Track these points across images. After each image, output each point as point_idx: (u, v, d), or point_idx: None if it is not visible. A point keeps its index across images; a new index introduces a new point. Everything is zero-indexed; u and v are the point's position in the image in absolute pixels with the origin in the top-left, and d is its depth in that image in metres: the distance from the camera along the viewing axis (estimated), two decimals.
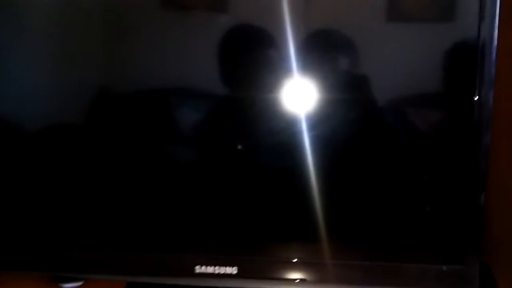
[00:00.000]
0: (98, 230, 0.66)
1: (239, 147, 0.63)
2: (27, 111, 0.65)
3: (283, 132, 0.62)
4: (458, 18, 0.60)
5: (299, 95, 0.61)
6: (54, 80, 0.64)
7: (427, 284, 0.64)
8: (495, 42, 0.58)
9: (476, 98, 0.59)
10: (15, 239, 0.66)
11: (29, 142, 0.65)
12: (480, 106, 0.59)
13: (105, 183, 0.66)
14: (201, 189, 0.65)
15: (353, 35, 0.61)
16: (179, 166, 0.65)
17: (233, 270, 0.64)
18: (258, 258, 0.65)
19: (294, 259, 0.64)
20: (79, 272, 0.69)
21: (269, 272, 0.64)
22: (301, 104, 0.61)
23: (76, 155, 0.65)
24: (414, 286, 0.65)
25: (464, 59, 0.59)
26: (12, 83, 0.64)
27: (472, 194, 0.61)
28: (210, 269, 0.64)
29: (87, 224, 0.66)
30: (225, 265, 0.64)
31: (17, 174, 0.66)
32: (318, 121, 0.61)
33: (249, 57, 0.62)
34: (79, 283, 0.74)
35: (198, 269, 0.64)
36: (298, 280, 0.64)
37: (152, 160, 0.65)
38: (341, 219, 0.64)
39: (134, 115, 0.64)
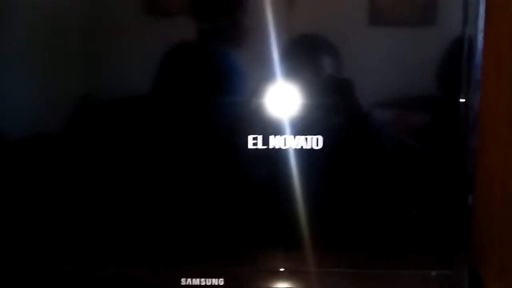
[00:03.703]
0: (81, 244, 0.64)
1: (224, 154, 0.62)
2: (9, 121, 0.63)
3: (265, 140, 0.60)
4: (442, 21, 0.59)
5: (282, 100, 0.60)
6: (35, 90, 0.62)
7: None
8: (480, 45, 0.58)
9: (462, 100, 0.59)
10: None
11: (12, 154, 0.63)
12: (466, 108, 0.59)
13: (88, 196, 0.64)
14: (185, 200, 0.64)
15: (336, 40, 0.60)
16: (162, 177, 0.63)
17: (219, 281, 0.62)
18: (245, 269, 0.64)
19: (280, 268, 0.63)
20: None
21: (256, 282, 0.64)
22: (284, 109, 0.60)
23: (59, 166, 0.63)
24: None
25: (449, 61, 0.59)
26: None
27: (460, 197, 0.61)
28: (196, 281, 0.63)
29: (70, 238, 0.64)
30: (212, 277, 0.63)
31: (12, 187, 0.64)
32: (301, 127, 0.60)
33: (232, 62, 0.61)
34: None
35: (184, 281, 0.63)
36: None
37: (134, 171, 0.63)
38: (326, 227, 0.63)
39: (118, 123, 0.62)
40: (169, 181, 0.63)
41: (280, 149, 0.60)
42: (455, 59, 0.59)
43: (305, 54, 0.61)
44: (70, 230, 0.64)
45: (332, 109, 0.61)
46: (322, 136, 0.60)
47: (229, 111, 0.61)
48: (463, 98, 0.59)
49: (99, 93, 0.62)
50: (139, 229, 0.64)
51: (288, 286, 0.63)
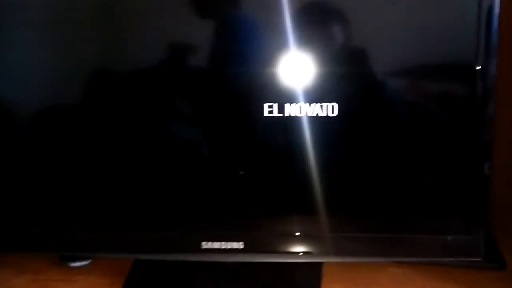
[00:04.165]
0: (103, 209, 0.67)
1: (240, 122, 0.63)
2: (25, 95, 0.65)
3: (280, 108, 0.61)
4: None
5: (296, 68, 0.60)
6: (50, 63, 0.64)
7: (432, 255, 0.65)
8: (497, 10, 0.57)
9: (478, 68, 0.58)
10: (21, 221, 0.67)
11: (30, 125, 0.65)
12: (483, 75, 0.58)
13: (108, 164, 0.66)
14: (204, 166, 0.65)
15: (349, 6, 0.60)
16: (180, 144, 0.65)
17: (239, 245, 0.64)
18: (264, 233, 0.65)
19: (298, 232, 0.65)
20: (86, 251, 0.70)
21: (275, 246, 0.65)
22: (298, 79, 0.60)
23: (78, 137, 0.65)
24: (419, 256, 0.66)
25: (465, 27, 0.58)
26: (8, 68, 0.64)
27: (477, 164, 0.61)
28: (216, 245, 0.64)
29: (92, 203, 0.67)
30: (232, 241, 0.64)
31: (20, 157, 0.66)
32: (316, 96, 0.61)
33: (243, 31, 0.61)
34: (87, 262, 0.75)
35: (205, 245, 0.64)
36: (302, 253, 0.65)
37: (154, 139, 0.65)
38: (344, 192, 0.64)
39: (133, 95, 0.64)
40: (188, 149, 0.65)
41: (295, 116, 0.61)
42: (471, 25, 0.58)
43: (317, 22, 0.61)
44: (92, 196, 0.66)
45: (347, 77, 0.61)
46: (338, 103, 0.60)
47: (244, 80, 0.61)
48: (479, 65, 0.58)
49: (114, 64, 0.63)
50: (159, 195, 0.66)
51: (306, 250, 0.64)
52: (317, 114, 0.61)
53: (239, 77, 0.61)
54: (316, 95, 0.60)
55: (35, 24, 0.63)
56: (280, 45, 0.60)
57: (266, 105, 0.61)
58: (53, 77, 0.64)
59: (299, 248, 0.65)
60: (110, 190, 0.66)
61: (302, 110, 0.61)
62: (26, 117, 0.65)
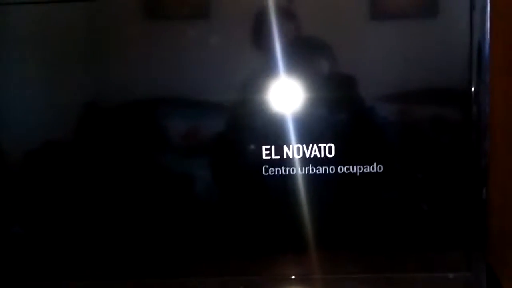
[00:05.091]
0: (97, 258, 0.65)
1: (234, 153, 0.63)
2: (17, 132, 0.64)
3: (274, 136, 0.61)
4: (448, 12, 0.60)
5: (288, 98, 0.61)
6: (42, 98, 0.63)
7: None
8: (488, 36, 0.58)
9: (472, 92, 0.59)
10: (22, 272, 0.65)
11: (21, 164, 0.64)
12: (478, 101, 0.59)
13: (101, 204, 0.64)
14: (199, 205, 0.64)
15: (337, 36, 0.61)
16: (178, 187, 0.64)
17: None
18: (264, 277, 0.64)
19: (297, 275, 0.64)
20: None
21: None
22: (291, 106, 0.61)
23: (70, 174, 0.64)
24: None
25: (457, 52, 0.59)
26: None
27: (474, 192, 0.61)
28: None
29: (86, 252, 0.65)
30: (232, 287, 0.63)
31: (14, 200, 0.65)
32: (308, 124, 0.61)
33: (235, 62, 0.62)
34: None
35: None
36: None
37: (147, 178, 0.64)
38: (341, 231, 0.64)
39: (126, 128, 0.63)
40: (184, 191, 0.64)
41: (293, 159, 0.61)
42: (463, 50, 0.59)
43: (308, 52, 0.61)
44: (86, 244, 0.65)
45: (341, 104, 0.62)
46: (334, 144, 0.61)
47: (236, 111, 0.62)
48: (474, 90, 0.59)
49: (106, 98, 0.63)
50: (155, 241, 0.64)
51: None
52: (315, 155, 0.61)
53: (234, 106, 0.62)
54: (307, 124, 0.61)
55: (22, 59, 0.63)
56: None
57: (264, 148, 0.61)
58: (44, 115, 0.63)
59: None
60: (103, 237, 0.65)
61: (300, 152, 0.61)
62: (17, 155, 0.64)
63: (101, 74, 0.63)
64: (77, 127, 0.63)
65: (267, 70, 0.60)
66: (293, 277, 0.64)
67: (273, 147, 0.61)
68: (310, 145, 0.61)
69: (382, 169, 0.61)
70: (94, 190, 0.64)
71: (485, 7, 0.58)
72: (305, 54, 0.62)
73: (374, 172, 0.61)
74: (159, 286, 0.64)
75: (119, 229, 0.64)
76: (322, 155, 0.61)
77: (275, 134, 0.61)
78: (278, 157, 0.61)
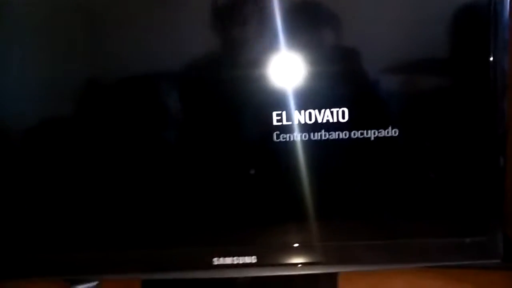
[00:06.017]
0: (108, 228, 0.64)
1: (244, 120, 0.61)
2: (15, 108, 0.62)
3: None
4: None
5: (287, 71, 0.59)
6: (41, 75, 0.61)
7: (450, 258, 0.63)
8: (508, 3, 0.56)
9: (491, 59, 0.57)
10: (23, 246, 0.64)
11: (21, 141, 0.63)
12: (495, 67, 0.58)
13: (108, 179, 0.63)
14: (211, 177, 0.63)
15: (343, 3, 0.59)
16: (184, 156, 0.62)
17: (252, 259, 0.62)
18: (277, 245, 0.63)
19: (311, 242, 0.63)
20: (92, 274, 0.67)
21: (289, 258, 0.63)
22: (291, 80, 0.59)
23: (73, 151, 0.62)
24: (437, 261, 0.64)
25: (475, 19, 0.57)
26: None
27: (492, 159, 0.60)
28: (228, 260, 0.62)
29: (97, 223, 0.64)
30: (244, 255, 0.62)
31: (15, 177, 0.63)
32: (310, 97, 0.59)
33: (234, 33, 0.60)
34: (94, 283, 0.72)
35: (216, 261, 0.62)
36: (316, 264, 0.63)
37: (154, 150, 0.62)
38: (356, 199, 0.63)
39: (125, 104, 0.61)
40: (193, 161, 0.63)
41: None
42: (482, 16, 0.57)
43: (311, 22, 0.59)
44: (96, 215, 0.64)
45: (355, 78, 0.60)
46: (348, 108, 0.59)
47: (237, 84, 0.60)
48: (492, 57, 0.57)
49: (105, 74, 0.61)
50: (167, 211, 0.63)
51: (320, 260, 0.63)
52: (328, 120, 0.59)
53: (234, 79, 0.60)
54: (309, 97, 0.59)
55: (21, 35, 0.60)
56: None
57: (274, 113, 0.59)
58: (42, 91, 0.62)
59: (314, 258, 0.63)
60: (113, 207, 0.64)
61: (312, 117, 0.59)
62: (16, 133, 0.62)
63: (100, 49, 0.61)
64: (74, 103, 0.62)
65: (274, 39, 0.58)
66: (299, 244, 0.63)
67: (283, 112, 0.59)
68: (323, 110, 0.59)
69: (397, 133, 0.60)
70: (96, 166, 0.63)
71: None
72: (315, 20, 0.59)
73: (389, 136, 0.60)
74: (171, 255, 0.64)
75: (115, 200, 0.64)
76: (335, 120, 0.60)
77: (285, 99, 0.59)
78: (290, 123, 0.60)
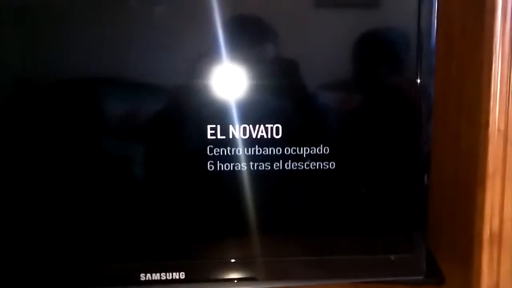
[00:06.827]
0: (30, 242, 0.61)
1: (173, 140, 0.61)
2: None
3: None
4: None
5: (224, 85, 0.59)
6: None
7: (377, 274, 0.65)
8: (435, 26, 0.59)
9: (418, 82, 0.60)
10: None
11: None
12: (422, 89, 0.60)
13: (37, 185, 0.60)
14: (141, 192, 0.62)
15: (282, 21, 0.59)
16: (115, 168, 0.61)
17: (180, 275, 0.61)
18: (205, 261, 0.62)
19: (239, 258, 0.63)
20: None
21: (217, 273, 0.63)
22: (231, 91, 0.59)
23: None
24: (366, 277, 0.65)
25: (404, 44, 0.60)
26: None
27: (416, 177, 0.62)
28: (156, 276, 0.61)
29: (17, 237, 0.61)
30: (172, 271, 0.61)
31: None
32: (248, 109, 0.59)
33: (175, 44, 0.59)
34: None
35: (143, 277, 0.61)
36: (246, 279, 0.63)
37: (84, 158, 0.60)
38: (282, 214, 0.63)
39: (60, 107, 0.59)
40: (124, 174, 0.61)
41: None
42: (409, 39, 0.59)
43: (250, 36, 0.60)
44: (22, 225, 0.61)
45: (284, 89, 0.60)
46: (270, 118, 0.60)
47: (175, 94, 0.59)
48: (418, 79, 0.60)
49: (41, 75, 0.59)
50: (94, 225, 0.61)
51: (250, 276, 0.63)
52: (262, 136, 0.59)
53: (173, 89, 0.59)
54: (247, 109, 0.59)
55: None
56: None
57: (208, 127, 0.59)
58: None
59: (244, 274, 0.63)
60: (34, 221, 0.61)
61: (246, 132, 0.59)
62: None
63: (35, 49, 0.58)
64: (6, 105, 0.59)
65: (212, 50, 0.58)
66: (233, 260, 0.62)
67: (218, 126, 0.59)
68: (257, 126, 0.59)
69: (328, 151, 0.61)
70: (23, 174, 0.60)
71: None
72: (251, 35, 0.60)
73: (320, 154, 0.61)
74: (97, 271, 0.61)
75: (50, 214, 0.61)
76: (269, 136, 0.60)
77: (220, 113, 0.59)
78: (224, 137, 0.59)
